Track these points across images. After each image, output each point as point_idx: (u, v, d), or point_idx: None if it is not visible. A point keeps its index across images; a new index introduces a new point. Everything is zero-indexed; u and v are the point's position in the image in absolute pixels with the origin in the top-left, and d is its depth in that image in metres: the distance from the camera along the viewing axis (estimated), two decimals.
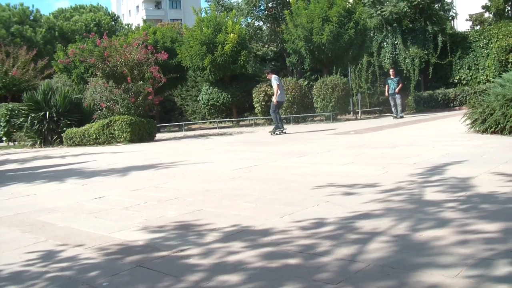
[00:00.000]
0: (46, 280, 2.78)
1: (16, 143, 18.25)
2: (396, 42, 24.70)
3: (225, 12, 26.84)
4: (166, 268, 2.81)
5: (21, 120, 17.05)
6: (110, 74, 16.32)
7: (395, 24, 24.66)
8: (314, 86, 20.55)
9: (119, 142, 14.84)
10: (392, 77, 19.47)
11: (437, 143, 8.39)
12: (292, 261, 2.75)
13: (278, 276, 2.52)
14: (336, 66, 21.71)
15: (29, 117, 16.62)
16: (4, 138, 18.90)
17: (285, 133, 14.11)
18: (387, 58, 24.75)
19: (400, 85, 19.18)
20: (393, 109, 19.48)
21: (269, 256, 2.87)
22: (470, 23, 31.51)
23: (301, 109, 20.95)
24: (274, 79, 13.57)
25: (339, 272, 2.50)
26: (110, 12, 60.95)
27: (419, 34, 24.55)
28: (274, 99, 14.08)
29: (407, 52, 24.25)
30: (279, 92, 13.27)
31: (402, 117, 18.85)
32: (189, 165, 8.11)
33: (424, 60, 24.25)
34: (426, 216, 3.49)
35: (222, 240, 3.30)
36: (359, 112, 23.35)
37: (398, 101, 19.07)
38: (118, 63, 15.92)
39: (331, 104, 19.72)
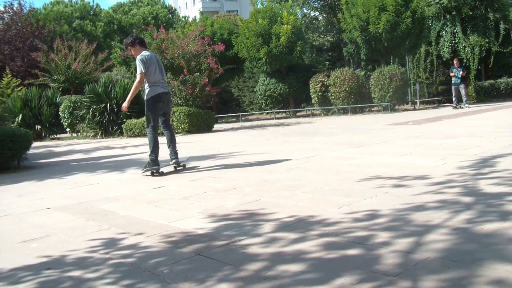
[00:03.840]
0: (109, 267, 2.89)
1: (79, 134, 18.81)
2: (455, 31, 23.90)
3: (282, 2, 26.71)
4: (225, 257, 2.86)
5: (83, 111, 17.52)
6: (168, 66, 16.57)
7: (454, 12, 23.88)
8: (372, 76, 20.26)
9: (177, 133, 15.02)
10: (456, 66, 18.91)
11: (498, 134, 8.14)
12: (350, 252, 2.75)
13: (337, 266, 2.53)
14: (393, 56, 21.32)
15: (91, 109, 17.07)
16: (67, 129, 19.49)
17: (159, 173, 6.69)
18: (446, 47, 24.02)
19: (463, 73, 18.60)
20: (453, 99, 18.97)
21: (328, 246, 2.88)
22: None
23: (358, 100, 20.70)
24: (139, 61, 6.68)
25: (398, 264, 2.49)
26: (167, 5, 61.81)
27: (479, 22, 23.64)
28: (127, 99, 6.99)
29: (466, 40, 23.46)
30: (146, 86, 6.83)
31: (467, 107, 18.25)
32: (246, 156, 8.16)
33: (485, 49, 23.39)
34: (489, 208, 3.41)
35: (280, 230, 3.33)
36: (418, 102, 22.89)
37: (463, 91, 18.58)
38: (176, 55, 16.14)
39: (388, 94, 19.41)
